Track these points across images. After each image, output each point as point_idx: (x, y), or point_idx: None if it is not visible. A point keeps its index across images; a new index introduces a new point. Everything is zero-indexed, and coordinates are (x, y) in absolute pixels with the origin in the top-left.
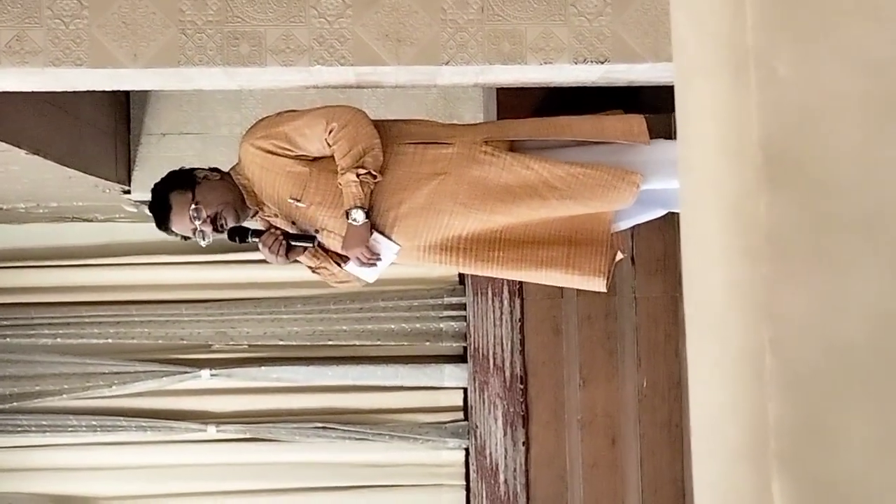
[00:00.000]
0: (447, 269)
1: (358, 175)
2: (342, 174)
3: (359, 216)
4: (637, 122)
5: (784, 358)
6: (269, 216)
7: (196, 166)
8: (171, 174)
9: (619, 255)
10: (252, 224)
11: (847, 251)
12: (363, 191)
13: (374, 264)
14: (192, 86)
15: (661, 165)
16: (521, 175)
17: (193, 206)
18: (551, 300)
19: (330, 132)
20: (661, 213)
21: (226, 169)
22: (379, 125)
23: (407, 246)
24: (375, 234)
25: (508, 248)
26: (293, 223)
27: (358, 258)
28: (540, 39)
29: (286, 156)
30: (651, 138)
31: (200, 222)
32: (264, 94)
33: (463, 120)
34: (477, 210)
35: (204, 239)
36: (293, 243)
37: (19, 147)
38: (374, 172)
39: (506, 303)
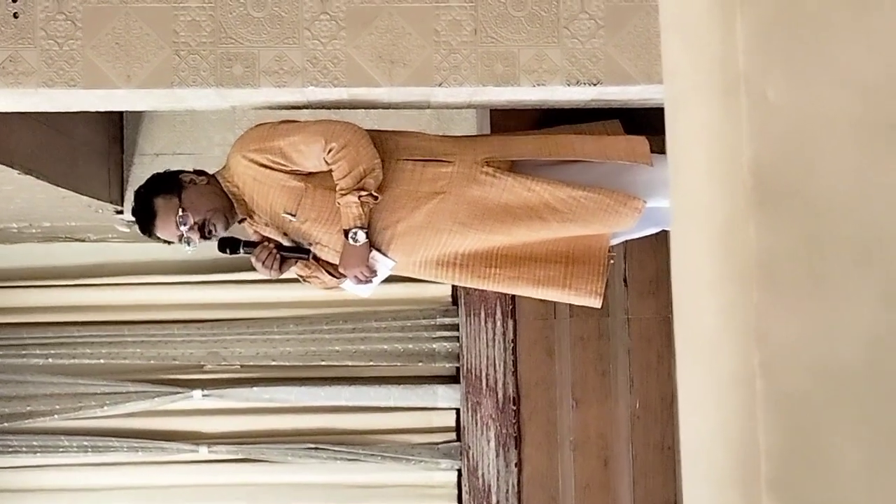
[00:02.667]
0: (442, 285)
1: (359, 197)
2: (342, 195)
3: (360, 237)
4: (640, 143)
5: (774, 383)
6: (258, 224)
7: (181, 169)
8: (156, 177)
9: (611, 260)
10: (244, 236)
11: (837, 275)
12: (363, 211)
13: (370, 281)
14: (185, 106)
15: (660, 185)
16: (522, 196)
17: (180, 212)
18: (544, 321)
19: (329, 152)
20: (654, 230)
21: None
22: (375, 138)
23: (403, 261)
24: (374, 253)
25: (505, 265)
26: (284, 234)
27: (356, 276)
28: (533, 61)
29: (281, 170)
30: (652, 153)
31: (187, 229)
32: (258, 115)
33: None
34: (476, 230)
35: (189, 245)
36: (286, 255)
37: (12, 167)
38: (374, 194)
39: (499, 324)
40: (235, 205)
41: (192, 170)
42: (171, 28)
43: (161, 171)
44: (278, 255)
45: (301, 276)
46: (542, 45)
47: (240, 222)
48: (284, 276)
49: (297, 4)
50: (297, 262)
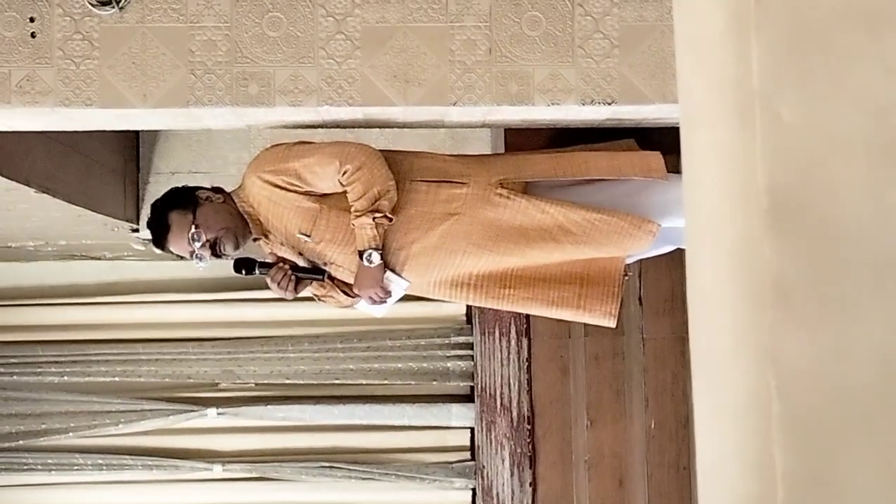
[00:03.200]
0: (457, 305)
1: (374, 219)
2: (357, 216)
3: (374, 258)
4: (654, 158)
5: (790, 404)
6: (273, 244)
7: (199, 185)
8: (173, 192)
9: (626, 276)
10: (260, 256)
11: (853, 297)
12: (378, 232)
13: (385, 301)
14: (201, 125)
15: (674, 205)
16: (536, 219)
17: (193, 228)
18: (559, 340)
19: (344, 174)
20: (668, 249)
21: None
22: (389, 159)
23: (417, 282)
24: (388, 274)
25: (520, 286)
26: (300, 254)
27: (371, 297)
28: (547, 81)
29: (296, 192)
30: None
31: (199, 245)
32: (273, 134)
33: None
34: (490, 251)
35: (201, 261)
36: (301, 276)
37: (28, 185)
38: (389, 215)
39: (513, 342)
40: (250, 224)
41: (209, 187)
42: (187, 48)
43: (180, 185)
44: (293, 276)
45: (316, 296)
46: (556, 64)
47: (255, 241)
48: (299, 294)
49: (313, 24)
50: (312, 282)
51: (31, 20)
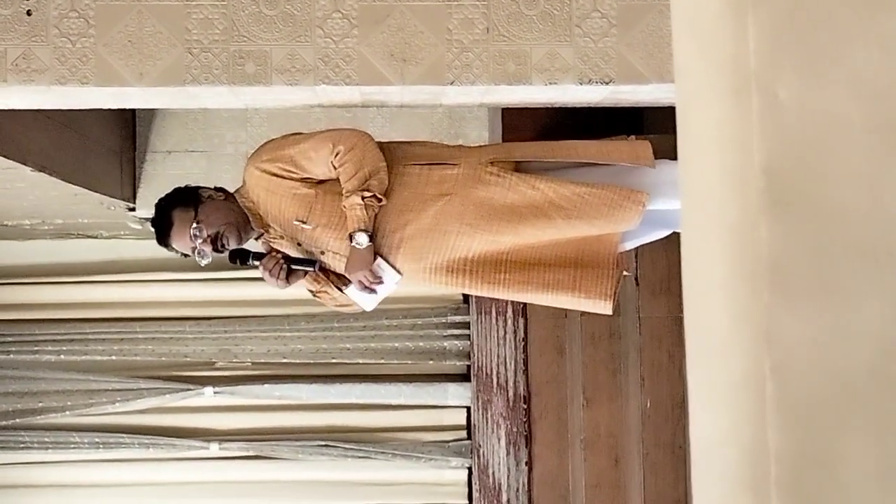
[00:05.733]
0: (453, 291)
1: (363, 198)
2: (347, 197)
3: (363, 239)
4: (643, 146)
5: (785, 386)
6: (274, 238)
7: (202, 185)
8: (176, 191)
9: (624, 273)
10: (253, 247)
11: (849, 278)
12: (367, 214)
13: (375, 290)
14: (197, 104)
15: (666, 186)
16: (526, 195)
17: (195, 224)
18: (555, 320)
19: (336, 155)
20: (665, 233)
21: (232, 189)
22: (384, 147)
23: (413, 268)
24: (379, 260)
25: (515, 270)
26: (298, 244)
27: (360, 281)
28: (545, 60)
29: (291, 178)
30: (656, 159)
31: (201, 241)
32: (270, 113)
33: (468, 138)
34: (483, 230)
35: (203, 258)
36: (294, 267)
37: (25, 164)
38: (379, 196)
39: (510, 322)
40: (251, 219)
41: (213, 186)
42: (184, 26)
43: (182, 185)
44: (285, 266)
45: (311, 292)
46: (554, 43)
47: (257, 238)
48: (291, 286)
49: (310, 2)
50: (305, 274)
51: None
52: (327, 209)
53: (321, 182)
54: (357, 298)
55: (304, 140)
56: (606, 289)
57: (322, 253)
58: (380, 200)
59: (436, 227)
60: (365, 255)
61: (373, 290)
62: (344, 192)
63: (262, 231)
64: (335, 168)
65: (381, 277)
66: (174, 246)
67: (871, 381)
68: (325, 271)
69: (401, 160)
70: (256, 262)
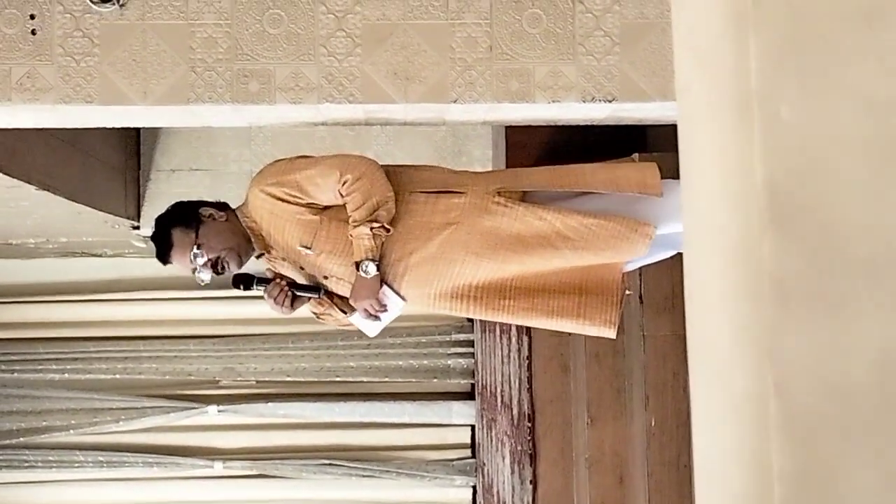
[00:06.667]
0: (457, 315)
1: (371, 229)
2: (355, 227)
3: (371, 269)
4: (651, 172)
5: (788, 402)
6: (275, 259)
7: (203, 200)
8: (177, 207)
9: (627, 291)
10: (255, 266)
11: (851, 294)
12: (375, 243)
13: (379, 318)
14: (201, 123)
15: (672, 211)
16: (533, 226)
17: (195, 249)
18: (559, 338)
19: (344, 184)
20: (670, 254)
21: (235, 204)
22: (390, 172)
23: (417, 293)
24: (384, 287)
25: (519, 297)
26: (301, 268)
27: (366, 310)
28: (548, 78)
29: (297, 203)
30: (662, 178)
31: (201, 264)
32: (274, 131)
33: (472, 156)
34: (488, 259)
35: (203, 279)
36: (298, 293)
37: (30, 183)
38: (387, 226)
39: (513, 340)
40: (253, 240)
41: (214, 202)
42: (188, 45)
43: (184, 200)
44: (290, 293)
45: (315, 314)
46: (557, 61)
47: (257, 257)
48: (295, 312)
49: (313, 21)
50: (309, 299)
51: (32, 17)
52: (332, 236)
53: (326, 208)
54: (361, 325)
55: (310, 166)
56: (611, 316)
57: (325, 278)
58: (388, 230)
59: (441, 255)
60: (372, 284)
61: (377, 318)
62: (351, 220)
63: (262, 252)
64: (342, 196)
65: (385, 305)
66: (174, 264)
67: (875, 397)
68: (329, 294)
69: (406, 186)
70: (260, 289)
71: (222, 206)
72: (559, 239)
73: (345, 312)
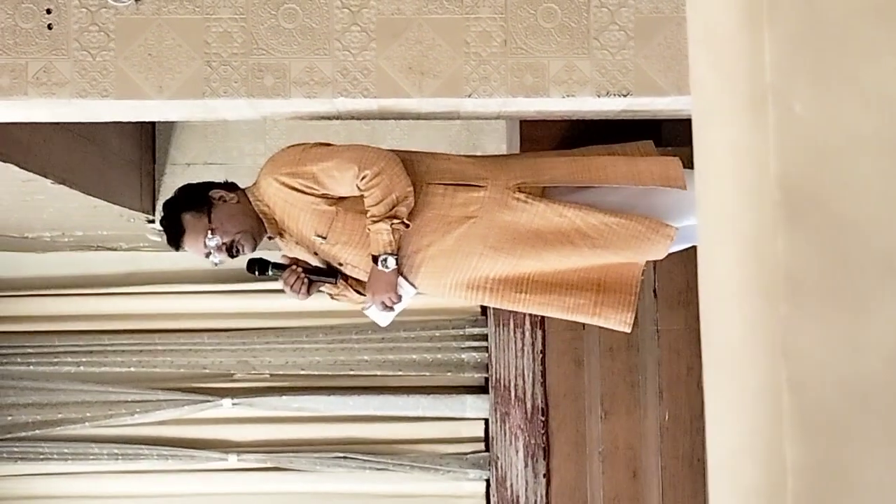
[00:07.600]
0: (471, 304)
1: (391, 225)
2: (374, 222)
3: (390, 263)
4: (673, 165)
5: (802, 397)
6: (288, 243)
7: (212, 181)
8: (186, 190)
9: (641, 278)
10: (273, 255)
11: (865, 290)
12: (394, 237)
13: (393, 308)
14: (216, 117)
15: (690, 205)
16: (553, 222)
17: (209, 233)
18: (573, 332)
19: (362, 179)
20: (684, 246)
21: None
22: (406, 161)
23: (433, 283)
24: (399, 278)
25: (536, 291)
26: (314, 254)
27: (382, 302)
28: (563, 72)
29: (312, 194)
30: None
31: (215, 249)
32: (288, 125)
33: (486, 150)
34: (507, 254)
35: (216, 262)
36: (314, 278)
37: (46, 176)
38: (406, 221)
39: (527, 334)
40: (266, 223)
41: (223, 182)
42: (203, 39)
43: (192, 181)
44: (306, 279)
45: (330, 295)
46: (572, 56)
47: (269, 239)
48: (312, 296)
49: (328, 16)
50: (325, 283)
51: (48, 12)
52: (348, 227)
53: (341, 198)
54: (374, 316)
55: (327, 157)
56: (626, 316)
57: (340, 264)
58: (407, 226)
59: (458, 248)
60: (390, 278)
61: (391, 309)
62: (369, 215)
63: (275, 235)
64: (360, 190)
65: (400, 296)
66: (187, 250)
67: (889, 392)
68: (345, 277)
69: (424, 176)
70: (276, 273)
71: (231, 187)
72: (579, 237)
73: (360, 293)
